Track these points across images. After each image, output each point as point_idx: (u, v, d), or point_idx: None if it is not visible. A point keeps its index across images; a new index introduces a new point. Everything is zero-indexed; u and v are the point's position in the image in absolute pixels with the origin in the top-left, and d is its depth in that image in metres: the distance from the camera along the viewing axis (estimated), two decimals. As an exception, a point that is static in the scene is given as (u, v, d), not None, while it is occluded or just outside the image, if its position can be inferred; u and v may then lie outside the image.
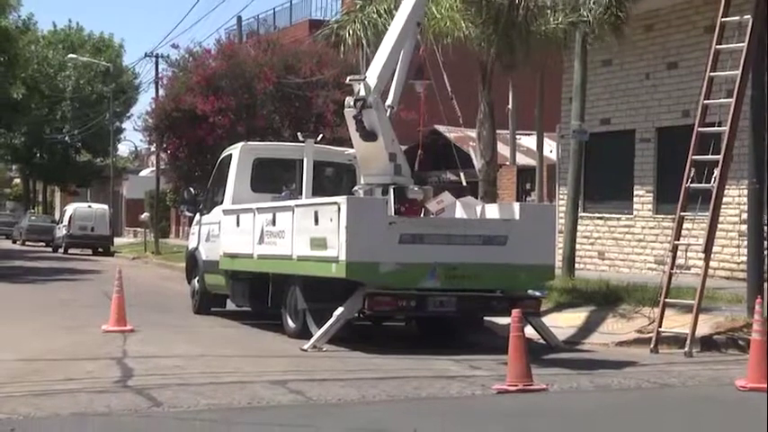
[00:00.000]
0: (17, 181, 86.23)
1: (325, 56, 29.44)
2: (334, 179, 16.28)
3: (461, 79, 17.33)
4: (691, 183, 13.01)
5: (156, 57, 42.47)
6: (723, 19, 13.27)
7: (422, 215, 13.00)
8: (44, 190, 78.58)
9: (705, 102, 13.26)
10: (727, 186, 13.43)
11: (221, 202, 16.22)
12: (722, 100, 13.39)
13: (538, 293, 13.25)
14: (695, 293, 12.53)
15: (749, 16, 13.02)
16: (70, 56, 60.83)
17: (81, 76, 65.61)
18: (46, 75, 63.98)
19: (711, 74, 13.28)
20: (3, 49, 35.70)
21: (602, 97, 21.44)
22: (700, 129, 13.18)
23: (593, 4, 16.14)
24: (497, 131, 18.22)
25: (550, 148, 26.77)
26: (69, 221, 46.01)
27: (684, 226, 13.16)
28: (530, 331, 11.68)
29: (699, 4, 18.73)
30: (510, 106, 29.32)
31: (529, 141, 30.99)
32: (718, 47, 13.30)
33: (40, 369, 10.35)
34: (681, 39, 19.55)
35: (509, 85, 28.59)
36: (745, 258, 14.11)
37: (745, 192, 13.87)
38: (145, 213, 48.71)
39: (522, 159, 30.40)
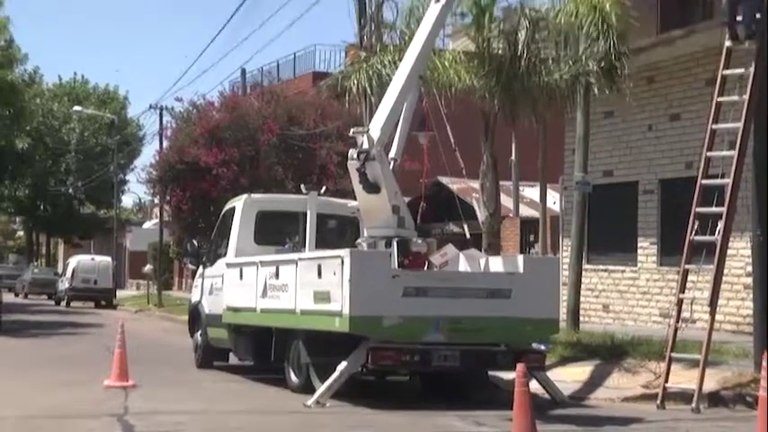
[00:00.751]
0: (20, 233, 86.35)
1: (328, 107, 29.57)
2: (337, 232, 16.24)
3: (464, 130, 17.37)
4: (695, 235, 12.95)
5: (161, 109, 42.69)
6: (724, 72, 13.30)
7: (425, 268, 12.94)
8: (47, 242, 78.63)
9: (708, 154, 13.25)
10: (731, 239, 13.37)
11: (224, 255, 16.18)
12: (725, 152, 13.38)
13: (542, 347, 13.14)
14: (701, 347, 12.42)
15: (750, 69, 13.05)
16: (75, 108, 61.24)
17: (85, 128, 65.95)
18: (51, 127, 64.34)
19: (714, 126, 13.29)
20: (9, 102, 35.89)
21: (604, 148, 21.47)
22: (703, 181, 13.16)
23: (593, 57, 16.22)
24: (500, 182, 18.23)
25: (554, 200, 26.77)
26: (72, 274, 45.94)
27: (689, 278, 13.08)
28: (534, 386, 11.56)
29: (700, 57, 18.80)
30: (513, 157, 29.38)
31: (532, 192, 31.01)
32: (719, 99, 13.32)
33: (40, 426, 10.25)
34: (683, 90, 19.62)
35: (512, 136, 28.67)
36: (750, 312, 14.01)
37: (750, 244, 13.80)
38: (148, 266, 48.67)
39: (525, 211, 30.39)
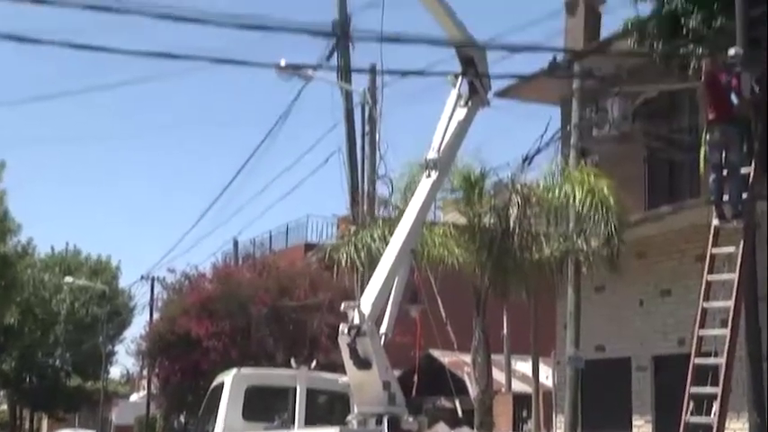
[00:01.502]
0: (4, 407, 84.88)
1: (319, 278, 29.59)
2: (327, 408, 15.96)
3: (456, 303, 17.36)
4: (690, 416, 12.77)
5: (152, 279, 42.71)
6: (713, 250, 13.40)
7: (417, 447, 12.63)
8: (31, 416, 77.13)
9: (700, 332, 13.21)
10: (728, 419, 13.18)
11: (212, 432, 15.85)
12: (717, 331, 13.34)
13: None
14: None
15: (738, 248, 13.16)
16: (66, 279, 61.24)
17: (76, 298, 65.71)
18: (41, 298, 64.06)
19: (705, 304, 13.29)
20: (1, 274, 35.93)
21: (596, 323, 21.38)
22: (696, 360, 13.06)
23: (590, 235, 16.37)
24: (492, 356, 18.09)
25: (546, 374, 26.51)
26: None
27: (687, 459, 12.84)
28: None
29: (689, 233, 18.96)
30: (505, 332, 29.25)
31: (524, 366, 30.72)
32: (709, 278, 13.37)
33: None
34: (672, 266, 19.69)
35: (503, 309, 28.61)
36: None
37: (747, 425, 13.60)
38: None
39: (518, 385, 30.05)
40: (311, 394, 15.07)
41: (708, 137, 13.52)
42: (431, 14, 13.26)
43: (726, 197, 13.18)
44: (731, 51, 13.41)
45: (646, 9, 16.55)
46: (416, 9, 13.23)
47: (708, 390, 12.68)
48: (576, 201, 16.16)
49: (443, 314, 16.79)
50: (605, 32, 20.70)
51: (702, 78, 13.76)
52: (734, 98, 13.26)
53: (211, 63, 11.77)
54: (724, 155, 13.29)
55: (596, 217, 16.14)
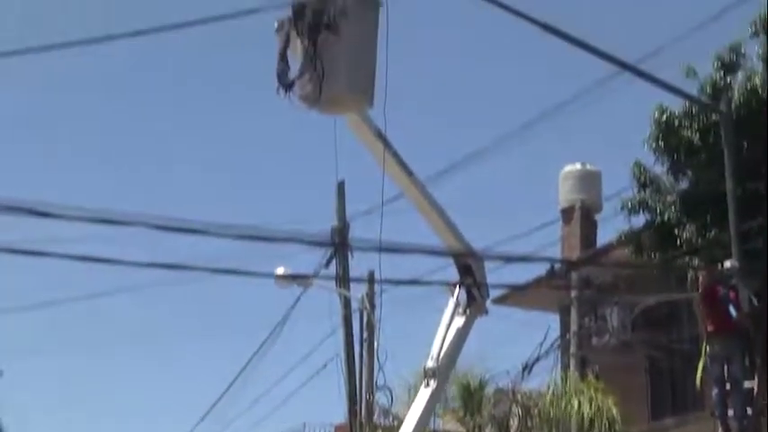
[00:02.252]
0: None
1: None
2: None
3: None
4: None
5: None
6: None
7: None
8: None
9: None
10: None
11: None
12: None
13: None
14: None
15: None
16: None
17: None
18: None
19: None
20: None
21: None
22: None
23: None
24: None
25: None
26: None
27: None
28: None
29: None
30: None
31: None
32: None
33: None
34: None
35: None
36: None
37: None
38: None
39: None
40: None
41: (708, 349, 13.40)
42: (429, 224, 13.40)
43: (730, 412, 12.94)
44: (727, 264, 13.47)
45: (640, 221, 16.79)
46: (414, 216, 13.41)
47: None
48: (579, 413, 15.92)
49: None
50: (602, 239, 20.90)
51: (699, 291, 13.78)
52: (732, 310, 13.22)
53: (211, 273, 11.79)
54: (726, 368, 13.13)
55: (599, 430, 15.87)
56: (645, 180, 16.55)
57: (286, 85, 10.70)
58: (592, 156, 22.03)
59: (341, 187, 21.70)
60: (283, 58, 10.80)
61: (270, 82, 10.86)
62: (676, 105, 15.88)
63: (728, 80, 15.47)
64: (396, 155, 12.52)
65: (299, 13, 10.53)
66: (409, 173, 12.85)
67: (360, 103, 11.18)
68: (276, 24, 10.87)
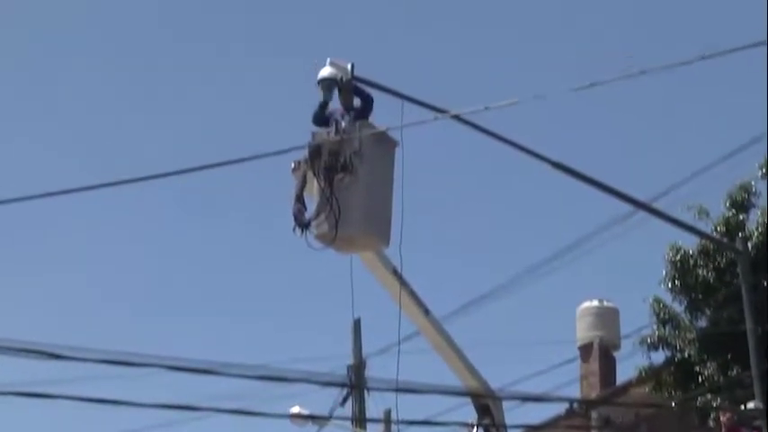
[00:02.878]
0: None
1: None
2: None
3: None
4: None
5: None
6: None
7: None
8: None
9: None
10: None
11: None
12: None
13: None
14: None
15: None
16: None
17: None
18: None
19: None
20: None
21: None
22: None
23: None
24: None
25: None
26: None
27: None
28: None
29: None
30: None
31: None
32: None
33: None
34: None
35: None
36: None
37: None
38: None
39: None
40: None
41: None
42: (446, 363, 13.25)
43: None
44: (750, 405, 13.22)
45: (659, 357, 16.61)
46: (431, 354, 13.26)
47: None
48: None
49: None
50: (621, 377, 20.59)
51: (722, 432, 13.50)
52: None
53: (224, 414, 11.64)
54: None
55: None
56: (665, 317, 16.45)
57: (302, 224, 10.73)
58: (606, 293, 21.92)
59: (357, 325, 21.59)
60: (300, 198, 10.86)
61: (285, 220, 10.92)
62: (689, 244, 15.92)
63: (741, 218, 15.53)
64: (412, 293, 12.49)
65: (315, 153, 10.62)
66: (426, 311, 12.79)
67: (376, 243, 11.19)
68: (292, 165, 10.97)
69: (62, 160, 36.19)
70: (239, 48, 38.68)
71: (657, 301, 16.52)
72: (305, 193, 10.85)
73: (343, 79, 10.78)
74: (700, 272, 15.64)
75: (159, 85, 38.78)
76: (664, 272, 16.03)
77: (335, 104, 11.01)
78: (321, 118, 10.93)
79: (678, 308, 16.42)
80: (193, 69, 37.75)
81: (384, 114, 11.01)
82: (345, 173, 10.46)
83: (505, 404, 13.29)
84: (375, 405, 21.04)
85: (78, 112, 38.48)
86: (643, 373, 16.96)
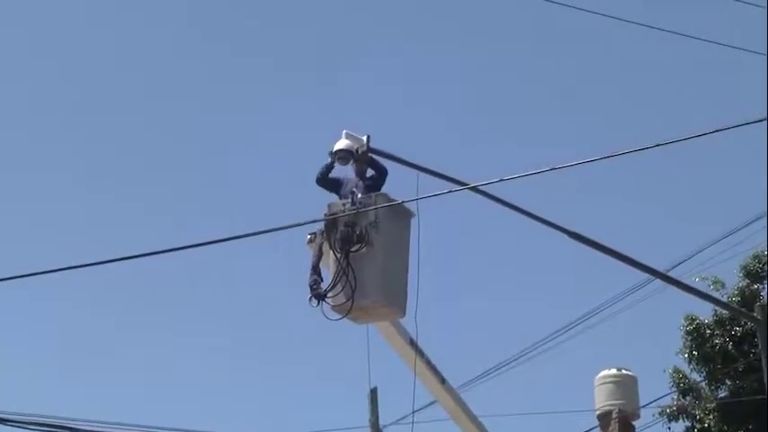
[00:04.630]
0: None
1: None
2: None
3: None
4: None
5: None
6: None
7: None
8: None
9: None
10: None
11: None
12: None
13: None
14: None
15: None
16: None
17: None
18: None
19: None
20: None
21: None
22: None
23: None
24: None
25: None
26: None
27: None
28: None
29: None
30: None
31: None
32: None
33: None
34: None
35: None
36: None
37: None
38: None
39: None
40: None
41: None
42: (463, 433, 13.11)
43: None
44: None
45: (679, 427, 16.45)
46: (448, 424, 13.14)
47: None
48: None
49: None
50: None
51: None
52: None
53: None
54: None
55: None
56: (684, 387, 16.38)
57: (319, 295, 10.75)
58: (623, 361, 21.75)
59: (373, 394, 21.48)
60: (316, 269, 10.89)
61: (300, 289, 10.93)
62: (704, 314, 16.00)
63: (756, 287, 15.64)
64: (428, 362, 12.41)
65: (331, 225, 10.67)
66: (442, 380, 12.70)
67: (392, 313, 11.17)
68: (307, 237, 11.03)
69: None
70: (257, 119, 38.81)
71: (677, 371, 16.44)
72: (321, 265, 10.89)
73: (359, 151, 10.88)
74: (716, 341, 15.62)
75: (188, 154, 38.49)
76: (681, 342, 16.00)
77: (344, 171, 11.13)
78: (326, 180, 11.10)
79: (697, 377, 16.33)
80: (221, 138, 37.85)
81: (400, 185, 11.10)
82: (361, 244, 10.50)
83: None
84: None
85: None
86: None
